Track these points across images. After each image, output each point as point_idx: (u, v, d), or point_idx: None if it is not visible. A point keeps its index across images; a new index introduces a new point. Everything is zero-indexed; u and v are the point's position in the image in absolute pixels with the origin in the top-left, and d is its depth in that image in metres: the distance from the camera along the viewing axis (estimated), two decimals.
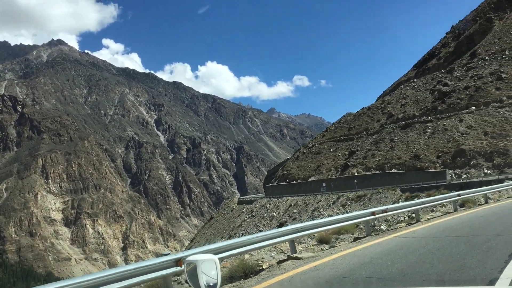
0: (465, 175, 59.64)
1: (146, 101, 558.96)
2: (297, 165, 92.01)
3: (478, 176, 57.27)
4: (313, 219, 64.60)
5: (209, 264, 2.57)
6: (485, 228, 12.44)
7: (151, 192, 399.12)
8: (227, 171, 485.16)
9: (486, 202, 23.27)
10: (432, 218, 17.72)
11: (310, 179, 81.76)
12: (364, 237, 13.46)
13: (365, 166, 73.61)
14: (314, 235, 14.32)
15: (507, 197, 24.98)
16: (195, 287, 2.55)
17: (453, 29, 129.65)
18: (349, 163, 77.37)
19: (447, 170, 61.10)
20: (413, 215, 18.86)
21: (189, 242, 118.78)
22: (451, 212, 19.17)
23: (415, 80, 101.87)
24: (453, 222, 15.26)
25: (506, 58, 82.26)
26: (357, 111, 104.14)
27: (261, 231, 71.80)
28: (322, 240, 13.16)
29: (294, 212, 68.54)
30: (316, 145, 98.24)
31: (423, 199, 21.56)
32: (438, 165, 63.82)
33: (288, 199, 73.75)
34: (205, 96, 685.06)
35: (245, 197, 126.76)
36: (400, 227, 16.18)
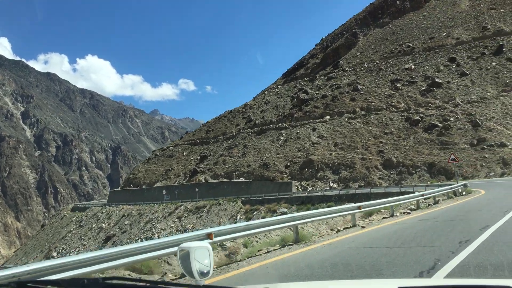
0: (311, 188, 55.52)
1: (12, 91, 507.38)
2: (146, 169, 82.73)
3: (323, 189, 53.40)
4: (144, 233, 55.87)
5: (202, 252, 2.50)
6: None
7: (10, 191, 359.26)
8: (101, 172, 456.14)
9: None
10: None
11: (155, 185, 73.04)
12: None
13: (214, 173, 66.99)
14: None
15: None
16: (188, 273, 2.49)
17: (322, 41, 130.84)
18: (198, 169, 70.19)
19: (293, 181, 56.44)
20: None
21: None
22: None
23: (279, 86, 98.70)
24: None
25: (364, 71, 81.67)
26: (220, 115, 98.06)
27: (85, 245, 61.23)
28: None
29: (125, 224, 59.20)
30: (171, 147, 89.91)
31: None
32: (285, 175, 59.09)
33: (123, 208, 64.21)
34: (83, 91, 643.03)
35: (80, 203, 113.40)
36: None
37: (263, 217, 49.90)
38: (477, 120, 54.67)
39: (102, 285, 1.71)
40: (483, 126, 53.89)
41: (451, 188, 22.68)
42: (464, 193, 22.68)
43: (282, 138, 68.12)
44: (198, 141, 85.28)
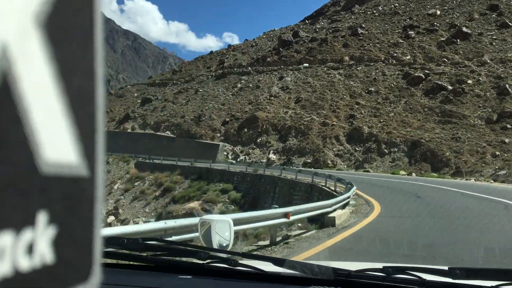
0: (244, 156, 38.55)
1: None
2: None
3: (259, 161, 36.44)
4: None
5: (223, 225, 2.46)
6: None
7: None
8: None
9: None
10: None
11: None
12: None
13: (144, 122, 50.96)
14: None
15: None
16: (208, 245, 2.43)
17: None
18: (131, 115, 54.30)
19: (222, 144, 39.60)
20: None
21: None
22: None
23: (275, 29, 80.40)
24: None
25: (376, 14, 62.17)
26: (199, 56, 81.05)
27: None
28: None
29: None
30: (128, 87, 74.35)
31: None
32: (219, 134, 42.19)
33: None
34: (126, 33, 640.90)
35: None
36: None
37: (142, 192, 33.58)
38: (507, 86, 35.34)
39: (142, 245, 1.72)
40: None
41: None
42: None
43: (239, 85, 50.87)
44: (159, 82, 69.05)
